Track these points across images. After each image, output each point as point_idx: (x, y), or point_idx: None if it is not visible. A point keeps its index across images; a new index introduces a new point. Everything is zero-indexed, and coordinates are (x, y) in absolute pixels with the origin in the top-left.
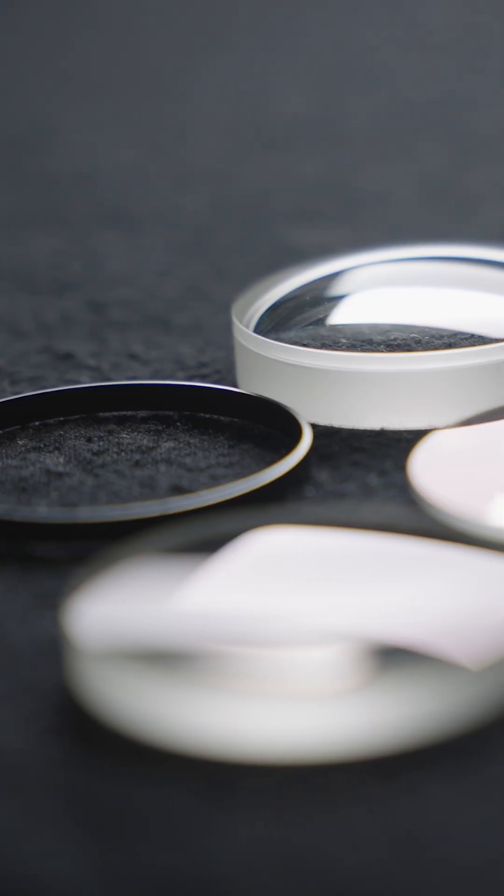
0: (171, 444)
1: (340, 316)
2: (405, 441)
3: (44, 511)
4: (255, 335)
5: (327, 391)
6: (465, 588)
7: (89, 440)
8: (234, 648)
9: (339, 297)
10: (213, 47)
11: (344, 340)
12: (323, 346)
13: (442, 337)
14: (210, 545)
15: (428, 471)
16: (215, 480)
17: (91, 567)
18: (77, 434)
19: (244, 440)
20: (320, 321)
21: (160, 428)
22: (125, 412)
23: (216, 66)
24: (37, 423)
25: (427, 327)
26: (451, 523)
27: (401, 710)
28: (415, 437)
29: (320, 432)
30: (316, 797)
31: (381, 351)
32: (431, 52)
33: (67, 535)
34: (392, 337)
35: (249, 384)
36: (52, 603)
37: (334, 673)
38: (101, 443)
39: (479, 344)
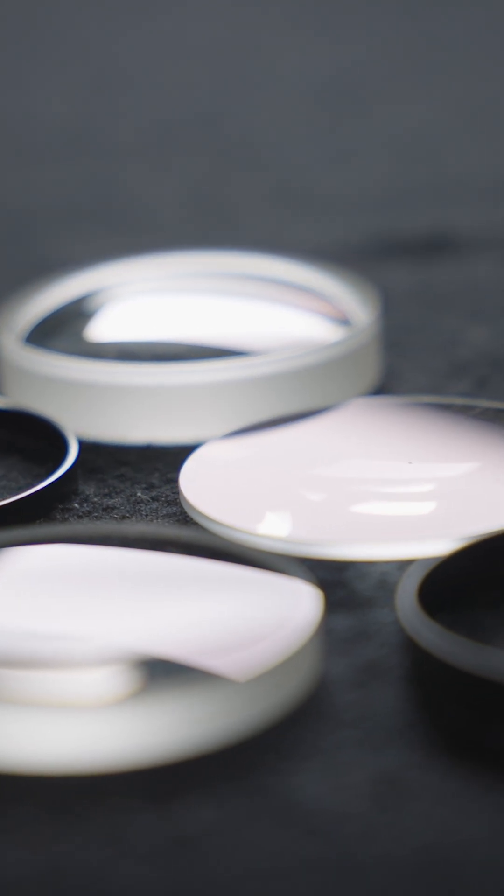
0: None
1: (106, 329)
2: (172, 454)
3: None
4: (20, 348)
5: (93, 404)
6: (232, 601)
7: None
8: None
9: (104, 310)
10: None
11: (110, 353)
12: (88, 359)
13: (208, 349)
14: None
15: (196, 483)
16: None
17: None
18: None
19: (10, 454)
20: (85, 334)
21: None
22: None
23: None
24: None
25: (192, 340)
26: (219, 536)
27: (167, 723)
28: (182, 450)
29: (87, 446)
30: (84, 811)
31: (147, 364)
32: (192, 63)
33: None
34: (158, 350)
35: (15, 397)
36: None
37: (100, 687)
38: None
39: (245, 356)
